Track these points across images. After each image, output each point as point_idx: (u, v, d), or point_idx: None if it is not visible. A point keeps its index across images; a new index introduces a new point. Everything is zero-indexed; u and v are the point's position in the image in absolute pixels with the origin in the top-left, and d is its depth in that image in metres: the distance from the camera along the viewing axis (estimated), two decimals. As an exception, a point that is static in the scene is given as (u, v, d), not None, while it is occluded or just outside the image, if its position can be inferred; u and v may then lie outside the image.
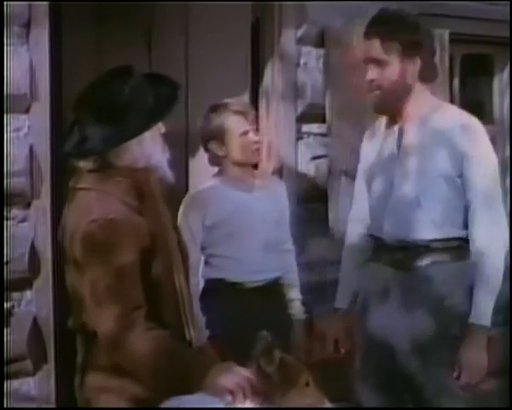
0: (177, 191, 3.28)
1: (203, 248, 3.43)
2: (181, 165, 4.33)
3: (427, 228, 2.92)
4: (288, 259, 3.61)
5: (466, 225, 2.93)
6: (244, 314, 3.32)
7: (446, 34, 4.51)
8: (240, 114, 3.42)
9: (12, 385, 3.57)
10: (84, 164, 2.41)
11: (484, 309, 2.85)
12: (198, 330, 2.60)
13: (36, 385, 3.66)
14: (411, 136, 2.98)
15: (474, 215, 2.90)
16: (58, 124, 3.70)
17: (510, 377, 3.22)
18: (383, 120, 3.11)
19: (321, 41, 4.44)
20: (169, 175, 2.48)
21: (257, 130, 3.54)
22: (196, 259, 3.30)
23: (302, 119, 4.40)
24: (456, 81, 5.19)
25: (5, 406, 3.50)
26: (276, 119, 4.33)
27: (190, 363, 2.28)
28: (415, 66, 2.94)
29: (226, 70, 4.30)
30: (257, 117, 4.09)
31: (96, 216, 2.29)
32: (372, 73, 2.96)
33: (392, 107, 3.00)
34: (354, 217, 3.25)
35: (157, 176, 2.47)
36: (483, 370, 2.86)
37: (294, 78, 4.37)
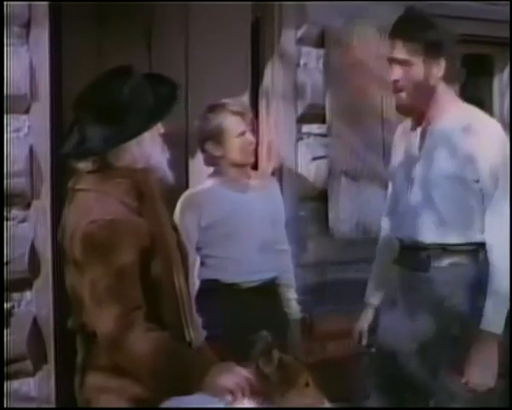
0: (176, 191, 3.29)
1: (199, 249, 3.43)
2: (181, 165, 4.32)
3: (443, 231, 2.90)
4: (284, 259, 3.61)
5: (483, 229, 2.89)
6: (241, 315, 3.32)
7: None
8: (238, 114, 3.42)
9: (12, 385, 3.57)
10: (83, 165, 2.42)
11: (497, 317, 2.81)
12: (197, 330, 2.60)
13: (36, 385, 3.66)
14: (433, 138, 2.95)
15: (488, 221, 2.87)
16: (58, 124, 3.69)
17: (510, 377, 3.21)
18: (409, 121, 3.10)
19: (321, 41, 4.43)
20: (169, 175, 2.49)
21: (253, 130, 3.53)
22: (191, 259, 3.29)
23: (302, 119, 4.39)
24: (457, 81, 5.20)
25: (5, 406, 3.50)
26: (276, 119, 4.32)
27: (190, 363, 2.28)
28: (438, 67, 2.92)
29: (226, 70, 4.30)
30: (257, 117, 4.10)
31: (95, 217, 2.29)
32: (396, 73, 2.95)
33: (415, 108, 2.99)
34: (386, 215, 3.29)
35: (156, 176, 2.47)
36: (494, 377, 2.83)
37: (294, 78, 4.36)
